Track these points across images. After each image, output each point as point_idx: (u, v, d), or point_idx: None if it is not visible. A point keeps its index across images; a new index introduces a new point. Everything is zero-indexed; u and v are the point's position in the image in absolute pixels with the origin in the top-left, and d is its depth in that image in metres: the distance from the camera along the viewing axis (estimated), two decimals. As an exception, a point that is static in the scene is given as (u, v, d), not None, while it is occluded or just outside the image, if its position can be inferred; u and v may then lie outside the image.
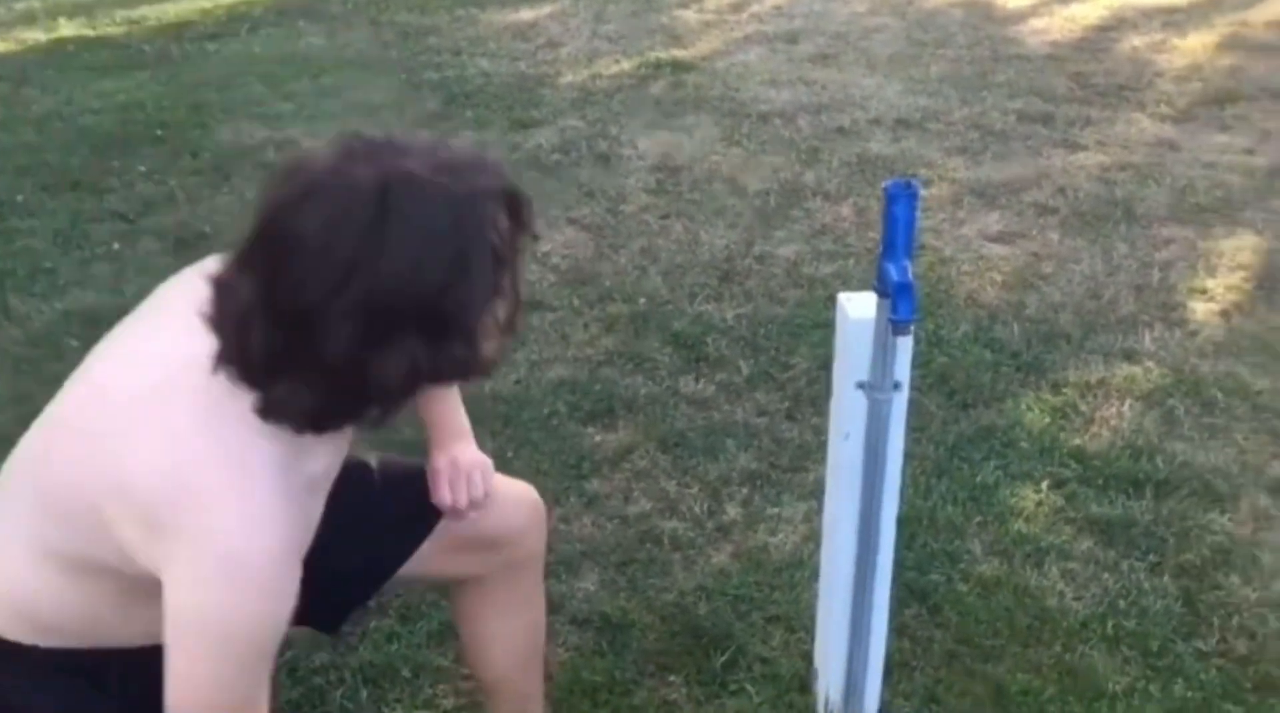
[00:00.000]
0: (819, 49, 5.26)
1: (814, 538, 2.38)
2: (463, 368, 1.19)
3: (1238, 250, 3.54)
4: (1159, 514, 2.46)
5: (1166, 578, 2.29)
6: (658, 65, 4.99)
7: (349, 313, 1.11)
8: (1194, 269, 3.44)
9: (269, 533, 1.17)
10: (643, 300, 3.22)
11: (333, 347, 1.12)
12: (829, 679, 1.96)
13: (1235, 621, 2.20)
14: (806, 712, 2.00)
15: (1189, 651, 2.14)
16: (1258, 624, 2.19)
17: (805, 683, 2.05)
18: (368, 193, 1.12)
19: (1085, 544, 2.38)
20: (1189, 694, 2.05)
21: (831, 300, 3.27)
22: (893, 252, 1.54)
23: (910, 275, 1.52)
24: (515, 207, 1.21)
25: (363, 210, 1.11)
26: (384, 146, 1.16)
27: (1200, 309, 3.24)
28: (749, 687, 2.05)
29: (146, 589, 1.20)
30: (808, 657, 2.09)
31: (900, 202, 1.53)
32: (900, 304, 1.50)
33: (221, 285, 1.18)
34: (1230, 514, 2.47)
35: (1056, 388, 2.88)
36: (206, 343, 1.18)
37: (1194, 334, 3.12)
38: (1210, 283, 3.36)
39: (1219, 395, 2.85)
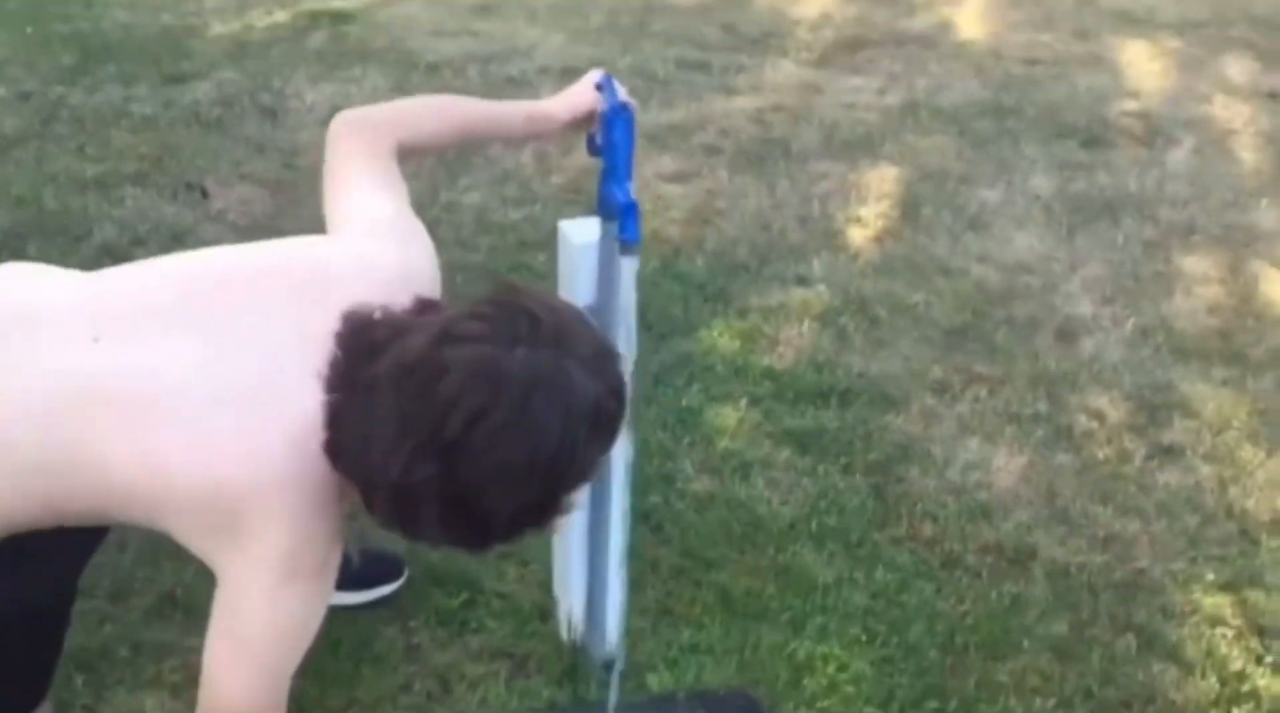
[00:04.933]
0: (480, 1, 5.24)
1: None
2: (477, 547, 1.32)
3: (882, 181, 3.87)
4: (844, 421, 2.67)
5: (858, 477, 2.50)
6: (314, 16, 4.81)
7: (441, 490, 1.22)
8: (847, 200, 3.72)
9: (331, 549, 1.32)
10: (332, 254, 3.12)
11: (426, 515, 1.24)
12: (570, 604, 2.01)
13: (919, 508, 2.43)
14: (550, 639, 2.04)
15: (884, 539, 2.35)
16: (938, 509, 2.43)
17: (545, 612, 2.09)
18: (516, 390, 1.20)
19: (784, 454, 2.55)
20: (888, 578, 2.26)
21: (524, 245, 3.33)
22: (614, 174, 1.59)
23: (633, 196, 1.57)
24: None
25: (506, 408, 1.19)
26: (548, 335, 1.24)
27: (857, 235, 3.52)
28: (490, 622, 2.07)
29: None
30: (544, 587, 2.13)
31: (617, 125, 1.57)
32: (628, 224, 1.55)
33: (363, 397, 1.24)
34: (903, 415, 2.72)
35: (742, 314, 3.05)
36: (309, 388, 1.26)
37: (854, 258, 3.39)
38: (863, 211, 3.65)
39: (882, 312, 3.11)
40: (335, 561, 1.35)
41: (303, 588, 1.30)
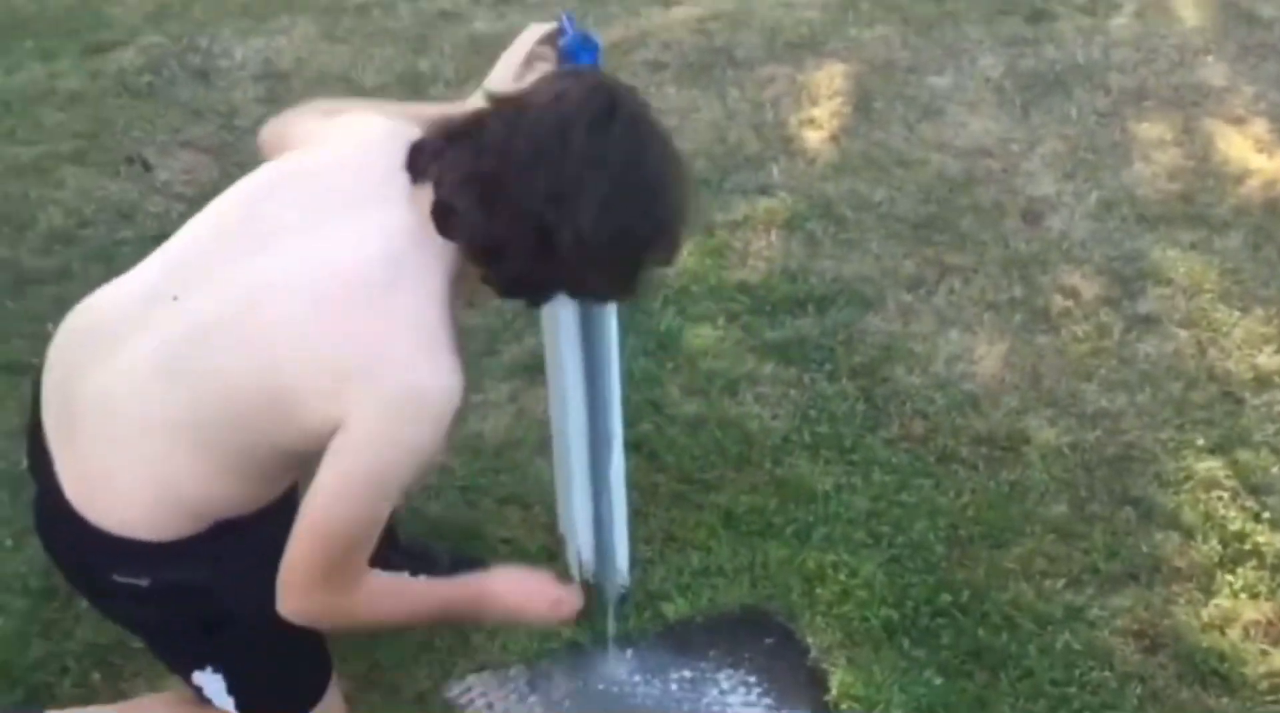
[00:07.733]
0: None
1: (524, 415, 2.41)
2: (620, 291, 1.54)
3: (831, 78, 3.82)
4: (824, 327, 2.67)
5: (844, 382, 2.51)
6: (231, -32, 4.64)
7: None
8: (799, 102, 3.68)
9: (452, 379, 1.36)
10: (286, 215, 3.05)
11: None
12: (578, 541, 2.01)
13: (908, 406, 2.44)
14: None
15: (877, 441, 2.36)
16: (927, 405, 2.44)
17: (553, 552, 2.09)
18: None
19: (769, 367, 2.55)
20: (886, 479, 2.27)
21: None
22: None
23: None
24: None
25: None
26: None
27: (813, 137, 3.48)
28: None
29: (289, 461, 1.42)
30: (548, 528, 2.13)
31: (582, 57, 1.53)
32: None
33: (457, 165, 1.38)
34: (881, 315, 2.72)
35: (709, 231, 3.02)
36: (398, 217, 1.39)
37: (813, 161, 3.36)
38: (816, 112, 3.61)
39: (848, 212, 3.10)
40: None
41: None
